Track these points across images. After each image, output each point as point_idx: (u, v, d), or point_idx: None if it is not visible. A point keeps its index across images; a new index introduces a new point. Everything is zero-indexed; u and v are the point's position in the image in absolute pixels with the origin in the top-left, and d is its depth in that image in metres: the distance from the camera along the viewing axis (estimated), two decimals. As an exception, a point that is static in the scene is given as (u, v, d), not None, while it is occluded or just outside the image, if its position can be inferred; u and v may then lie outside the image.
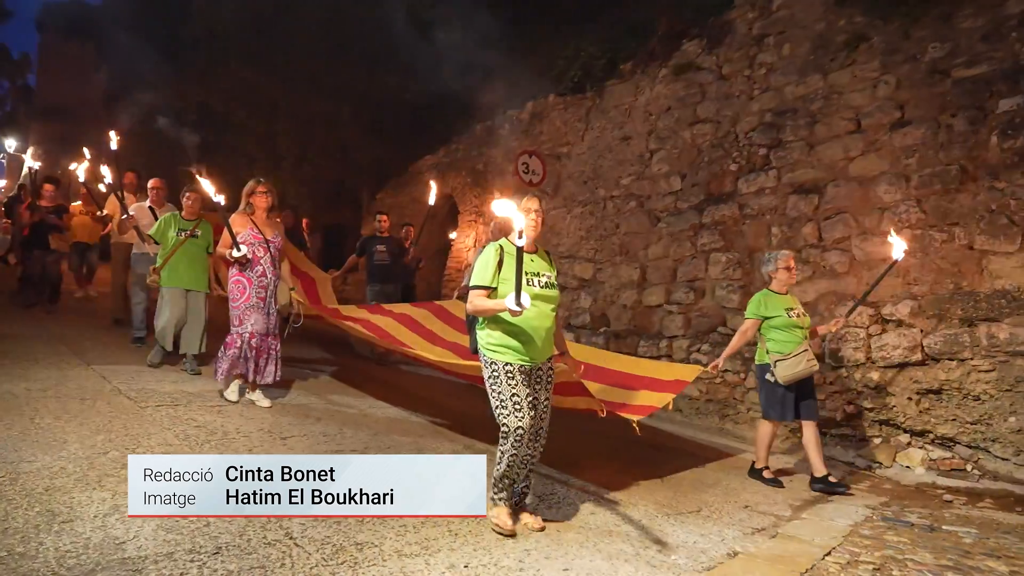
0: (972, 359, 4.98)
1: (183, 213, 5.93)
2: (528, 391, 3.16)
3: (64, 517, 2.75)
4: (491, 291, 3.16)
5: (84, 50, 29.93)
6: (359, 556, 2.72)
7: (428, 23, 11.68)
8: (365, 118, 13.08)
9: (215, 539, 2.71)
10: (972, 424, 4.96)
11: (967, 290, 5.09)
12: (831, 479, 4.59)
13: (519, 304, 2.77)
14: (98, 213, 7.40)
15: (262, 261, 4.89)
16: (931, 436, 5.16)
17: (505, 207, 2.94)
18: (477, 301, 3.15)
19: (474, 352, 3.36)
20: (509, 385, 3.11)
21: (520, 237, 2.76)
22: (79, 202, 9.17)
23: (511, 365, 3.13)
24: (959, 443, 5.03)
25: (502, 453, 3.15)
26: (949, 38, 5.53)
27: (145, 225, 6.27)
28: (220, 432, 4.20)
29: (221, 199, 4.68)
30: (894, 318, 5.44)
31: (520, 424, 3.07)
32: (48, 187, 8.40)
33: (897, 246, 4.58)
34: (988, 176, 5.13)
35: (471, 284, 3.20)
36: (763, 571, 3.04)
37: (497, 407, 3.15)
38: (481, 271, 3.20)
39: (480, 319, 3.25)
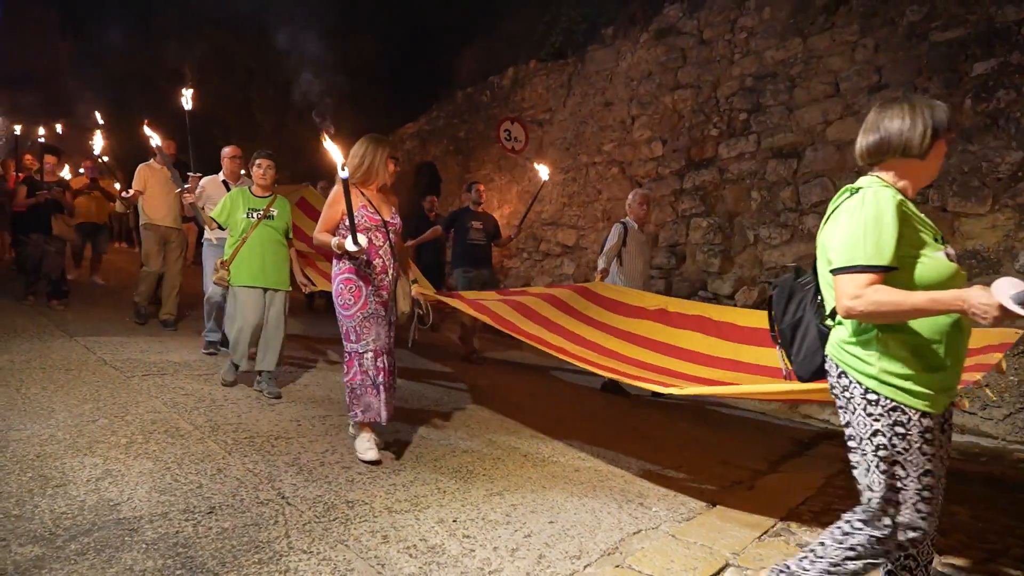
0: (942, 318, 5.14)
1: (253, 188, 4.62)
2: (943, 463, 1.86)
3: (57, 482, 2.78)
4: (887, 275, 1.76)
5: (48, 16, 28.93)
6: (350, 513, 2.80)
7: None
8: (344, 85, 12.90)
9: (208, 500, 2.76)
10: (941, 380, 5.14)
11: (939, 251, 5.22)
12: None
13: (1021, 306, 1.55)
14: (124, 193, 6.12)
15: (381, 252, 3.50)
16: (902, 393, 5.35)
17: None
18: (883, 296, 1.72)
19: (805, 377, 2.14)
20: (922, 454, 1.79)
21: None
22: (76, 174, 8.54)
23: (929, 418, 1.79)
24: (929, 399, 5.22)
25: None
26: (926, 1, 5.57)
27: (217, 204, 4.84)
28: (208, 399, 4.24)
29: (344, 174, 3.25)
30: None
31: (925, 526, 1.84)
32: (50, 159, 7.25)
33: None
34: (962, 139, 5.22)
35: (853, 263, 1.77)
36: (740, 520, 3.17)
37: (899, 486, 1.82)
38: (872, 239, 1.77)
39: (858, 328, 1.87)
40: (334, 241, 3.40)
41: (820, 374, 2.06)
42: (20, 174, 8.12)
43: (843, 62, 6.08)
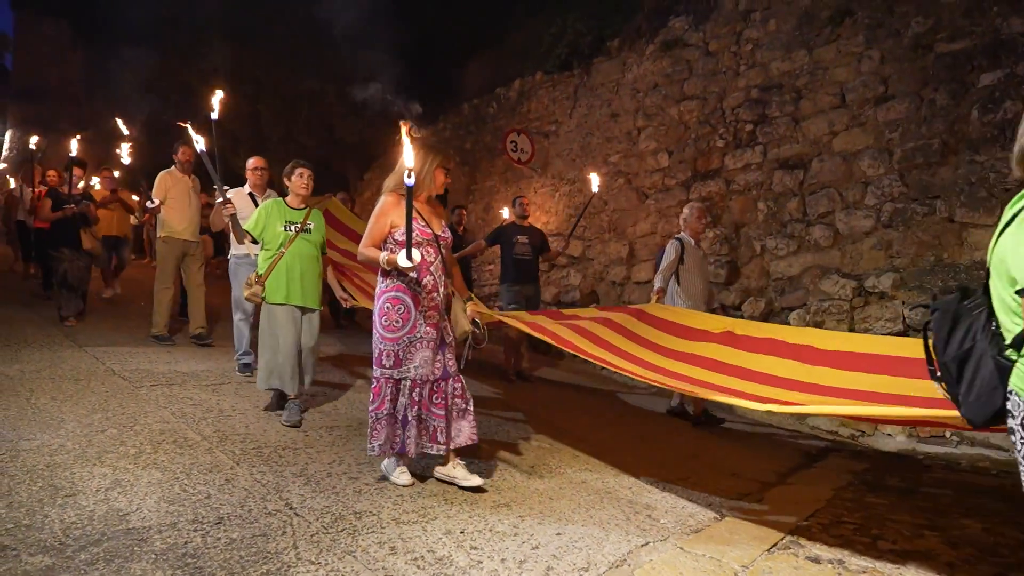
0: (951, 329, 5.11)
1: (289, 199, 4.35)
2: None
3: (67, 491, 2.80)
4: None
5: (60, 28, 29.30)
6: (358, 524, 2.80)
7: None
8: (350, 96, 13.01)
9: (216, 510, 2.77)
10: (951, 392, 5.11)
11: (948, 262, 5.21)
12: None
13: None
14: (149, 203, 5.82)
15: (432, 269, 3.23)
16: (911, 404, 5.32)
17: None
18: None
19: (979, 422, 1.77)
20: None
21: None
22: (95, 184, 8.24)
23: None
24: (938, 411, 5.18)
25: None
26: (932, 12, 5.58)
27: (243, 218, 4.63)
28: (216, 410, 4.25)
29: (411, 182, 2.91)
30: (876, 290, 5.56)
31: None
32: (77, 171, 6.81)
33: None
34: (969, 150, 5.22)
35: None
36: (749, 532, 3.15)
37: None
38: None
39: None
40: (383, 256, 3.13)
41: (1000, 418, 1.68)
42: (41, 188, 7.87)
43: (849, 73, 6.09)
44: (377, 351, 3.22)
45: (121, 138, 6.41)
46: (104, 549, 2.35)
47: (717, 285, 6.89)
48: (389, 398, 3.21)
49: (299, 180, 4.32)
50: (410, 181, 2.89)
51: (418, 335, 3.18)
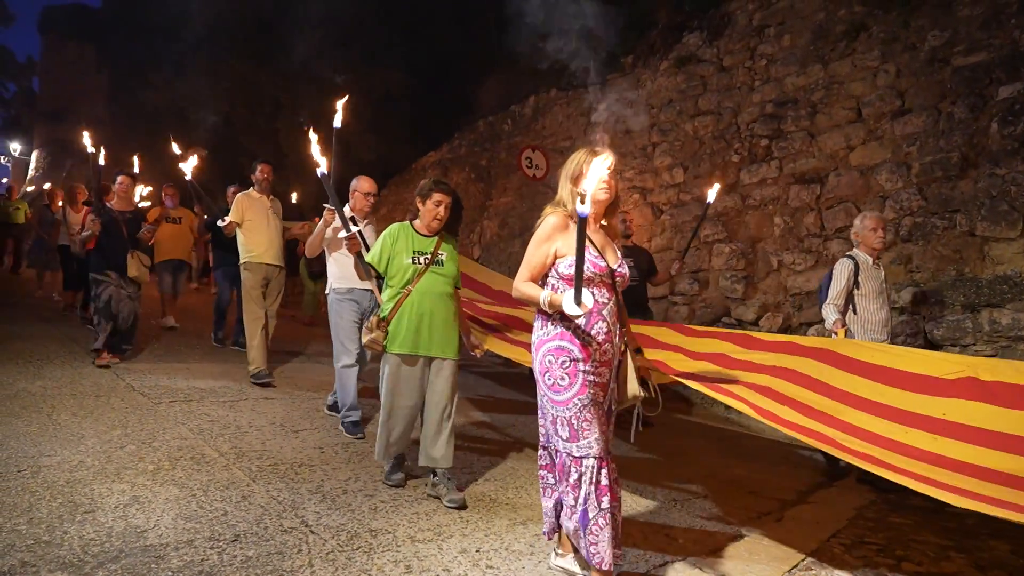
0: (975, 344, 5.02)
1: (417, 224, 3.56)
2: None
3: (86, 508, 2.82)
4: None
5: (85, 52, 30.05)
6: (374, 542, 2.79)
7: (427, 18, 11.75)
8: (367, 114, 13.18)
9: (233, 527, 2.78)
10: (975, 409, 5.00)
11: (969, 276, 5.13)
12: None
13: None
14: (220, 222, 5.51)
15: (605, 313, 2.51)
16: (934, 422, 5.21)
17: None
18: None
19: None
20: None
21: None
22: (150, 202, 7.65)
23: None
24: (962, 428, 5.08)
25: None
26: (948, 26, 5.55)
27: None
28: (233, 426, 4.28)
29: (585, 209, 2.09)
30: (897, 305, 5.49)
31: None
32: (124, 180, 5.89)
33: None
34: (989, 163, 5.16)
35: None
36: (769, 553, 3.10)
37: None
38: None
39: None
40: (543, 295, 2.43)
41: None
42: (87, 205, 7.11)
43: (865, 87, 6.07)
44: (548, 416, 2.52)
45: (183, 154, 5.89)
46: (122, 566, 2.36)
47: (734, 300, 6.83)
48: (583, 477, 2.40)
49: (433, 209, 3.48)
50: (584, 209, 2.09)
51: (588, 399, 2.43)
